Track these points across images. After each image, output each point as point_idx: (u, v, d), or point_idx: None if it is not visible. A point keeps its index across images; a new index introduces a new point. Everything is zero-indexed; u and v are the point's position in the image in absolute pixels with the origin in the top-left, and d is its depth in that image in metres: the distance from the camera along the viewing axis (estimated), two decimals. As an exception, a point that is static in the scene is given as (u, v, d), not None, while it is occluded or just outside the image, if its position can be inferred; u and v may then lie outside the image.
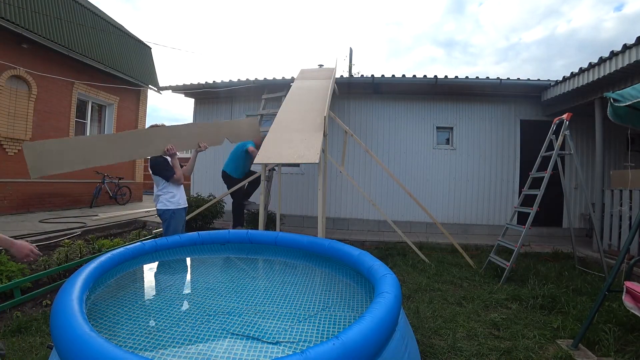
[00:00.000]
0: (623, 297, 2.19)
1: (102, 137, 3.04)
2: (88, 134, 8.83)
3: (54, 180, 7.56)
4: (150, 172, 3.34)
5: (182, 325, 1.71)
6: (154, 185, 3.37)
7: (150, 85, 10.31)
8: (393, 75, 6.44)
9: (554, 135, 4.18)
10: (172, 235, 3.00)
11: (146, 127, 10.77)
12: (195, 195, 6.46)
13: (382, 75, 6.41)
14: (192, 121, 7.89)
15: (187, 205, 3.47)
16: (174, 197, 3.26)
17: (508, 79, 6.21)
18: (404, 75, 6.44)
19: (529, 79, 6.24)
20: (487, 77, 6.32)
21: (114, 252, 2.32)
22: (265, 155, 3.74)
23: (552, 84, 6.01)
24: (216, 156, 7.00)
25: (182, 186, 3.39)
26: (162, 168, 3.24)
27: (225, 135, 4.32)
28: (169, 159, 3.32)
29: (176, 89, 7.51)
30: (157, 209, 3.32)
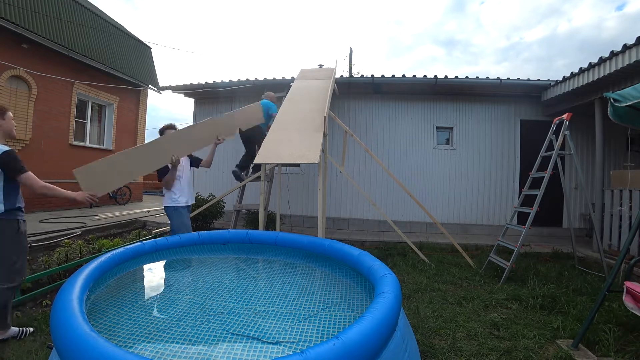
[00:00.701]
0: (623, 297, 2.19)
1: (135, 150, 3.18)
2: (88, 134, 8.84)
3: (54, 180, 7.53)
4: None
5: (182, 325, 1.71)
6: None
7: (150, 85, 10.31)
8: (393, 75, 6.44)
9: (554, 135, 4.18)
10: (172, 236, 3.00)
11: (146, 127, 10.82)
12: (195, 196, 6.46)
13: (382, 75, 6.42)
14: (192, 121, 7.91)
15: (189, 203, 3.58)
16: (174, 195, 3.43)
17: (508, 79, 6.21)
18: (404, 75, 6.44)
19: (529, 79, 6.24)
20: (487, 77, 6.32)
21: (114, 252, 2.32)
22: (265, 155, 3.73)
23: (552, 84, 6.01)
24: (216, 157, 6.99)
25: (186, 184, 3.53)
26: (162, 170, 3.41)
27: (237, 125, 4.44)
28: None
29: (176, 89, 7.51)
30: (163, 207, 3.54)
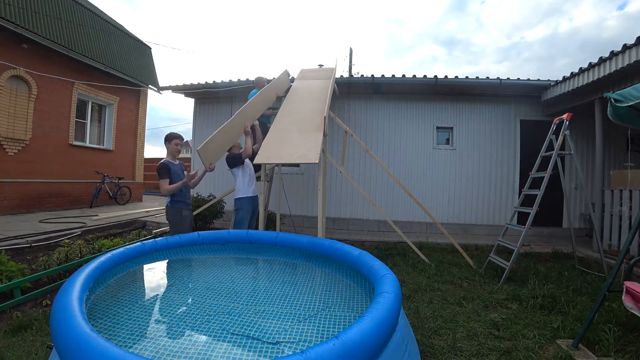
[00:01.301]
0: (623, 297, 2.19)
1: (225, 126, 4.04)
2: (88, 134, 8.84)
3: (54, 180, 7.55)
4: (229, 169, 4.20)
5: (182, 325, 1.71)
6: None
7: (150, 85, 10.30)
8: (393, 75, 6.44)
9: (554, 135, 4.18)
10: (172, 236, 3.01)
11: (146, 127, 10.83)
12: (195, 196, 6.46)
13: (382, 75, 6.42)
14: (192, 121, 7.91)
15: (248, 195, 4.10)
16: (238, 192, 4.08)
17: (508, 79, 6.21)
18: (404, 75, 6.44)
19: (529, 79, 6.24)
20: (487, 77, 6.32)
21: (114, 252, 2.32)
22: (265, 155, 3.73)
23: (552, 84, 6.01)
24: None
25: (245, 178, 4.11)
26: (232, 161, 4.08)
27: (275, 93, 5.32)
28: (237, 152, 4.15)
29: (176, 89, 7.51)
30: None
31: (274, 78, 6.75)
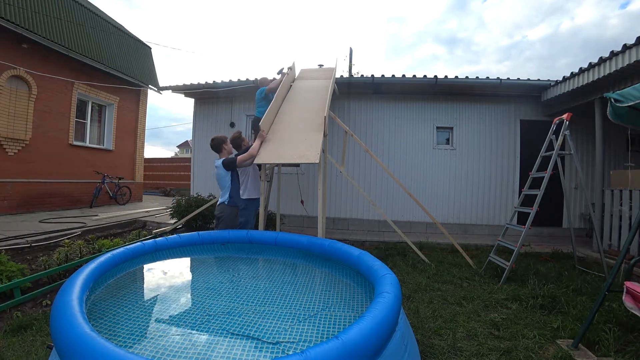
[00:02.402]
0: (623, 297, 2.18)
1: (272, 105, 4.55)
2: (88, 133, 8.84)
3: (54, 180, 7.55)
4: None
5: (181, 325, 1.71)
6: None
7: (150, 85, 10.30)
8: (393, 75, 6.44)
9: (554, 135, 4.18)
10: (172, 236, 3.01)
11: (146, 127, 10.82)
12: (195, 195, 6.46)
13: (382, 75, 6.41)
14: (192, 121, 7.91)
15: (252, 196, 4.00)
16: (243, 192, 3.97)
17: (508, 79, 6.21)
18: (403, 76, 6.44)
19: (529, 79, 6.24)
20: (487, 77, 6.32)
21: (114, 252, 2.32)
22: (265, 156, 3.74)
23: (552, 84, 6.01)
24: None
25: (256, 178, 4.07)
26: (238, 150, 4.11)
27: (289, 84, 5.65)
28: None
29: (176, 89, 7.51)
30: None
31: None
